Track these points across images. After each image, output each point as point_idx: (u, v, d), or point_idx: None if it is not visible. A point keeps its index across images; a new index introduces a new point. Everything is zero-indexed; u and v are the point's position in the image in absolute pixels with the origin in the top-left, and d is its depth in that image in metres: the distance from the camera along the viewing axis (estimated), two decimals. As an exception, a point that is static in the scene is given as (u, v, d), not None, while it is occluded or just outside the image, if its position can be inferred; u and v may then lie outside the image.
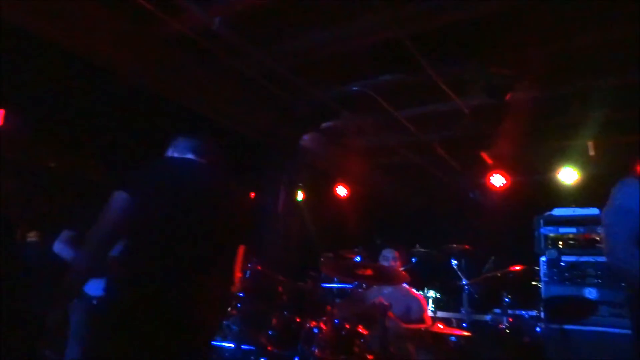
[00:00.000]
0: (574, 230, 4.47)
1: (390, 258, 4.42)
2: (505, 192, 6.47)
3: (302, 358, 3.37)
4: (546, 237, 4.56)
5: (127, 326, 1.99)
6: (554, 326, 4.06)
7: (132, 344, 1.98)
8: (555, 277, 4.36)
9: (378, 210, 7.66)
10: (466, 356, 3.91)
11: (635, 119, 5.16)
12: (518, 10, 3.77)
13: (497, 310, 4.68)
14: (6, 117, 4.74)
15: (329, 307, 3.64)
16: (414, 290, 4.47)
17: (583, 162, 6.17)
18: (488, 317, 4.78)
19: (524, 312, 4.51)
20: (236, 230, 2.38)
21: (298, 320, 3.72)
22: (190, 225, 2.17)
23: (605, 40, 4.01)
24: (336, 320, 3.51)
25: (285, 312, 3.93)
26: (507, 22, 3.91)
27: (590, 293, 4.19)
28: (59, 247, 3.50)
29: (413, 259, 5.21)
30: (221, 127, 5.55)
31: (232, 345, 3.71)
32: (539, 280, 4.48)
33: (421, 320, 4.17)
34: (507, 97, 4.69)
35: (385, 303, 3.45)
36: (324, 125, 5.93)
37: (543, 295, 4.38)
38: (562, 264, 4.37)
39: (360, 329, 3.52)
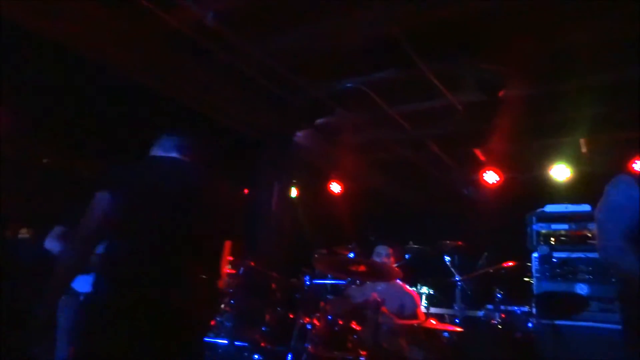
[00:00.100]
0: (565, 226, 4.49)
1: (383, 254, 4.43)
2: (498, 189, 6.50)
3: (295, 354, 3.38)
4: (538, 233, 4.58)
5: (113, 322, 2.01)
6: (545, 322, 4.09)
7: (119, 340, 1.99)
8: (547, 273, 4.38)
9: (372, 207, 7.68)
10: (459, 352, 3.93)
11: (627, 116, 5.20)
12: (511, 7, 3.79)
13: (489, 306, 4.71)
14: (-1, 114, 4.70)
15: (322, 304, 3.65)
16: (407, 286, 4.49)
17: (575, 159, 6.21)
18: (481, 313, 4.81)
19: (516, 307, 4.53)
20: (221, 226, 2.40)
21: (291, 316, 3.73)
22: (173, 223, 2.20)
23: (598, 37, 4.03)
24: (329, 317, 3.52)
25: (279, 309, 3.94)
26: (500, 19, 3.92)
27: (582, 289, 4.22)
28: (51, 243, 3.48)
29: (406, 255, 5.22)
30: (215, 123, 5.53)
31: (226, 342, 3.71)
32: (531, 276, 4.51)
33: (414, 316, 4.19)
34: (500, 94, 4.71)
35: (378, 299, 3.45)
36: (318, 121, 5.92)
37: (535, 291, 4.40)
38: (554, 260, 4.39)
39: (354, 325, 3.53)
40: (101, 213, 2.12)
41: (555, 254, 4.41)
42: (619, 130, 5.56)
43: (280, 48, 4.49)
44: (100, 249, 2.17)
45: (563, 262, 4.36)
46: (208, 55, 4.55)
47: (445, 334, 3.90)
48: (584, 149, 6.16)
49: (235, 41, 4.28)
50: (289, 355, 3.39)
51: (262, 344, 3.66)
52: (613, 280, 4.06)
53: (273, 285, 4.14)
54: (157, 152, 2.45)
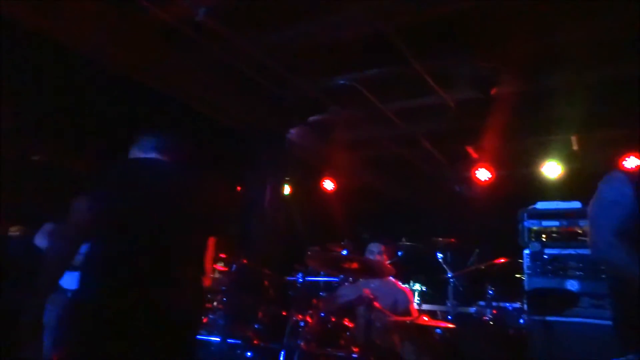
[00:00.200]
0: (557, 223, 4.51)
1: (376, 252, 4.44)
2: (490, 186, 6.54)
3: (288, 351, 3.38)
4: (530, 230, 4.60)
5: (103, 323, 2.02)
6: (537, 318, 4.11)
7: (109, 340, 2.01)
8: (538, 270, 4.41)
9: (365, 204, 7.68)
10: (451, 348, 3.95)
11: (618, 114, 5.24)
12: (504, 5, 3.80)
13: (481, 303, 4.72)
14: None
15: (315, 301, 3.65)
16: (400, 283, 4.50)
17: (566, 156, 6.26)
18: (472, 310, 4.83)
19: (507, 304, 4.56)
20: (203, 223, 2.40)
21: (284, 313, 3.73)
22: (154, 224, 2.21)
23: (589, 35, 4.05)
24: (322, 314, 3.52)
25: (272, 306, 3.94)
26: (492, 17, 3.93)
27: (572, 285, 4.25)
28: (41, 240, 3.45)
29: (399, 252, 5.24)
30: (208, 119, 5.51)
31: (218, 339, 3.71)
32: (522, 273, 4.53)
33: (407, 312, 4.20)
34: (493, 91, 4.73)
35: (370, 295, 3.46)
36: (311, 118, 5.91)
37: (526, 288, 4.43)
38: (545, 256, 4.42)
39: (346, 322, 3.54)
40: (81, 220, 2.14)
41: (547, 251, 4.44)
42: (609, 127, 5.61)
43: (273, 45, 4.48)
44: (84, 247, 2.19)
45: (554, 258, 4.39)
46: (200, 52, 4.52)
47: (438, 331, 3.92)
48: (575, 147, 6.20)
49: (227, 38, 4.26)
50: (282, 353, 3.39)
51: (255, 341, 3.65)
52: (603, 276, 4.10)
53: (266, 283, 4.14)
54: (135, 153, 2.45)
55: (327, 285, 5.11)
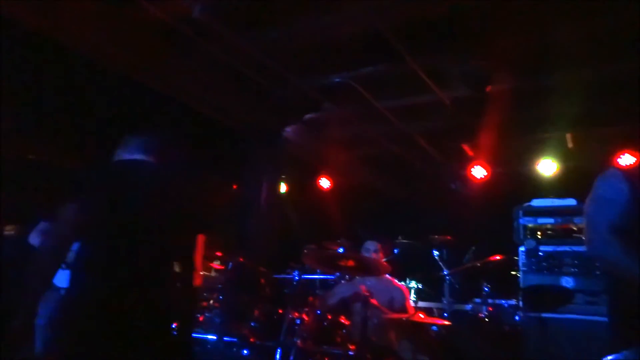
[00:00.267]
0: (552, 220, 4.54)
1: (372, 250, 4.44)
2: (485, 184, 6.55)
3: (284, 349, 3.38)
4: (525, 227, 4.62)
5: (95, 323, 2.03)
6: (532, 314, 4.13)
7: (102, 340, 2.02)
8: (533, 267, 4.43)
9: (361, 202, 7.69)
10: (447, 345, 3.96)
11: (613, 111, 5.26)
12: (498, 3, 3.80)
13: (477, 300, 4.75)
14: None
15: (311, 298, 3.65)
16: (396, 280, 4.51)
17: (562, 154, 6.28)
18: (468, 307, 4.85)
19: (503, 301, 4.58)
20: (189, 222, 2.41)
21: (280, 311, 3.73)
22: (141, 225, 2.23)
23: (584, 33, 4.06)
24: (318, 311, 3.52)
25: (268, 304, 3.94)
26: (487, 14, 3.93)
27: (567, 282, 4.28)
28: (35, 239, 3.44)
29: (395, 250, 5.25)
30: (204, 117, 5.49)
31: (215, 337, 3.70)
32: (517, 270, 4.56)
33: (404, 310, 4.21)
34: (488, 89, 4.74)
35: (367, 292, 3.46)
36: (307, 116, 5.91)
37: (521, 285, 4.45)
38: (540, 253, 4.44)
39: (343, 320, 3.54)
40: (68, 225, 2.17)
41: (542, 248, 4.47)
42: (604, 125, 5.63)
43: (268, 42, 4.46)
44: (75, 246, 2.21)
45: (549, 255, 4.42)
46: (195, 49, 4.51)
47: (434, 328, 3.93)
48: (570, 144, 6.23)
49: (223, 35, 4.25)
50: (278, 350, 3.39)
51: (251, 339, 3.65)
52: (597, 273, 4.12)
53: (262, 281, 4.13)
54: (121, 155, 2.44)
55: (324, 283, 5.11)
